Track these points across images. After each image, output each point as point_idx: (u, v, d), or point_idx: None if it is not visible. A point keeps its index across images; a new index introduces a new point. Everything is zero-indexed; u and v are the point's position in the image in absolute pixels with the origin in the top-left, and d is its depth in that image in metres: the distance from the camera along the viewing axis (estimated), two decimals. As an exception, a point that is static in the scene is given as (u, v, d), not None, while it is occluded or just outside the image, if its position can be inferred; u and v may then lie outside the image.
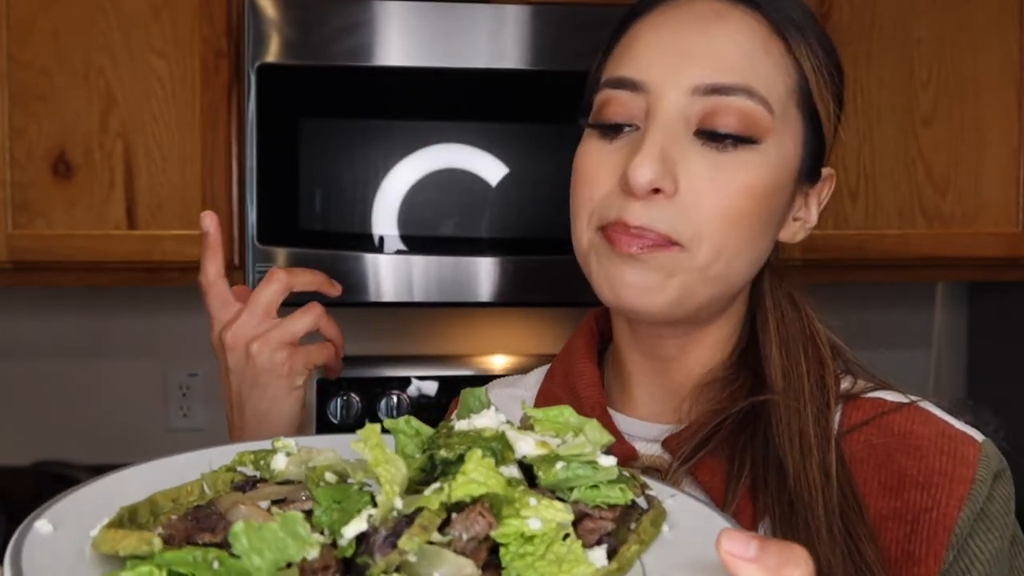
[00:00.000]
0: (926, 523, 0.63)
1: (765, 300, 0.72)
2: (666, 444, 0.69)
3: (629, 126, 0.67)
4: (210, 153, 1.55)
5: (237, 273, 1.57)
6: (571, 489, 0.45)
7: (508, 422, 0.49)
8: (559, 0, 1.54)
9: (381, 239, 1.50)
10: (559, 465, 0.45)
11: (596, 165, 0.68)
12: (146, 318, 1.91)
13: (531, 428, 0.49)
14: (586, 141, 0.70)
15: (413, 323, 1.96)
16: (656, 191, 0.63)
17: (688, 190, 0.64)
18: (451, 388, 1.81)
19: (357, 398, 1.82)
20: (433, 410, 1.76)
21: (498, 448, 0.45)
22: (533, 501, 0.41)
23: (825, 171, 0.73)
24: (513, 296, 1.52)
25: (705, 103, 0.64)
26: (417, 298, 1.51)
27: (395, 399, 1.81)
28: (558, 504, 0.42)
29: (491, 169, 1.51)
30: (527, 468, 0.46)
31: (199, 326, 1.92)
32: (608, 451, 0.47)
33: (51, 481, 1.81)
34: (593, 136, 0.69)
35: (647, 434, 0.72)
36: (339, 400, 1.81)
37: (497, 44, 1.50)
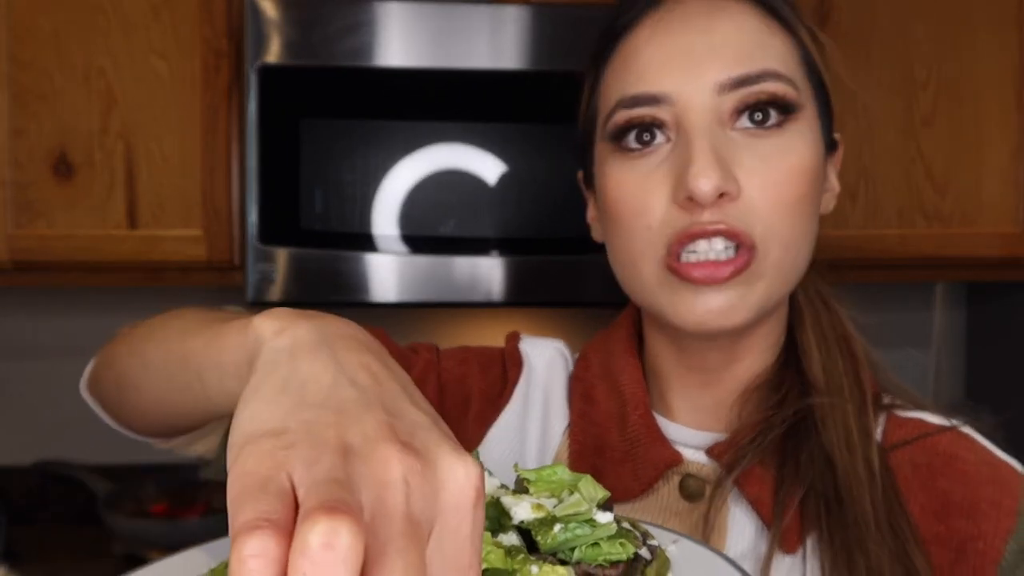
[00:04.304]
0: (972, 553, 0.62)
1: (798, 296, 0.71)
2: (711, 452, 0.68)
3: (660, 135, 0.64)
4: (211, 153, 1.55)
5: (237, 273, 1.57)
6: (573, 549, 0.44)
7: (503, 486, 0.48)
8: (559, 0, 1.54)
9: (382, 239, 1.50)
10: (557, 527, 0.44)
11: (639, 190, 0.64)
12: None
13: (526, 491, 0.48)
14: (613, 165, 0.66)
15: (413, 323, 1.96)
16: (721, 195, 0.62)
17: (748, 186, 0.63)
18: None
19: (357, 398, 1.82)
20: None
21: (495, 515, 0.45)
22: (535, 569, 0.41)
23: (836, 136, 0.73)
24: (513, 296, 1.52)
25: (735, 97, 0.63)
26: (417, 298, 1.51)
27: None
28: (560, 569, 0.42)
29: (491, 169, 1.51)
30: (526, 532, 0.45)
31: (199, 326, 1.92)
32: (606, 506, 0.47)
33: (51, 481, 1.81)
34: (621, 158, 0.66)
35: (690, 440, 0.70)
36: (339, 400, 1.81)
37: (497, 44, 1.50)
